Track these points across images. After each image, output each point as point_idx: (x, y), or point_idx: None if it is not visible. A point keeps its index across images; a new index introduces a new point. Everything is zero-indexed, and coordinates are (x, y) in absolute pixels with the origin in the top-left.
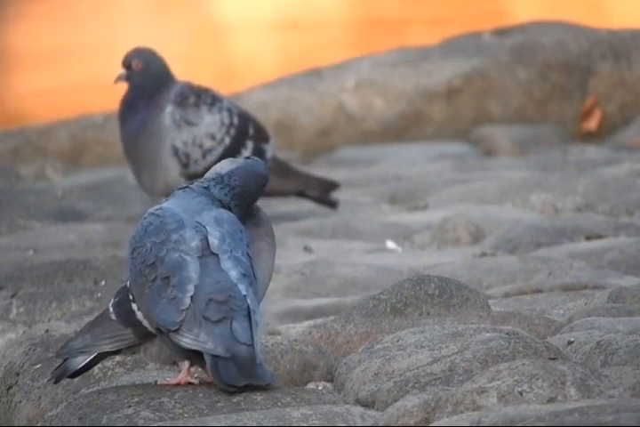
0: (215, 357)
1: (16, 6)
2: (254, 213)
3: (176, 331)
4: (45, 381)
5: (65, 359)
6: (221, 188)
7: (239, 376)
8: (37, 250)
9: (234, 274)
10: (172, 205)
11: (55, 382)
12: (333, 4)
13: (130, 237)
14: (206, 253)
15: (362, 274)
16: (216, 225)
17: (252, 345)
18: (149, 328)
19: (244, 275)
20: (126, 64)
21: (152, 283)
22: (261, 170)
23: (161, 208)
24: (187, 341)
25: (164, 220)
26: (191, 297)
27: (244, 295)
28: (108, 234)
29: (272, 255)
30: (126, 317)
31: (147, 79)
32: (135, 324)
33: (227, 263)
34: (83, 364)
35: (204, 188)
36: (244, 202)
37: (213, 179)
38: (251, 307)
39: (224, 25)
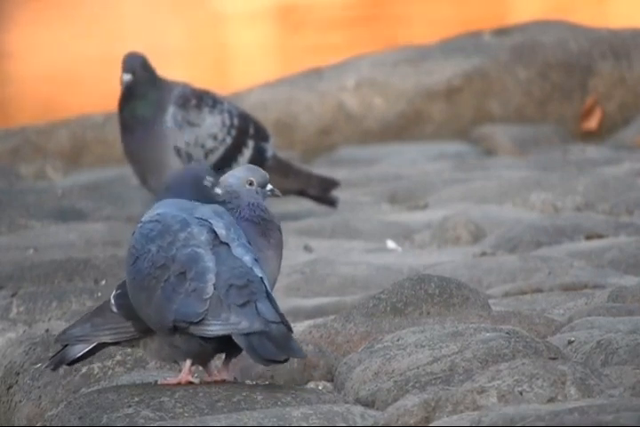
0: (249, 337)
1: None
2: (266, 219)
3: (200, 322)
4: (43, 367)
5: (64, 347)
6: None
7: (277, 351)
8: (38, 249)
9: (247, 259)
10: (168, 209)
11: (53, 369)
12: (333, 4)
13: (129, 247)
14: (216, 243)
15: (362, 273)
16: (217, 217)
17: (281, 322)
18: (155, 329)
19: (256, 259)
20: (131, 70)
21: (165, 282)
22: (187, 172)
23: (158, 214)
24: (214, 328)
25: (167, 223)
26: (213, 285)
27: (261, 278)
28: (108, 233)
29: (277, 265)
30: (127, 310)
31: (147, 83)
32: (136, 318)
33: (238, 250)
34: (81, 353)
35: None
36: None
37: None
38: (268, 288)
39: (224, 25)
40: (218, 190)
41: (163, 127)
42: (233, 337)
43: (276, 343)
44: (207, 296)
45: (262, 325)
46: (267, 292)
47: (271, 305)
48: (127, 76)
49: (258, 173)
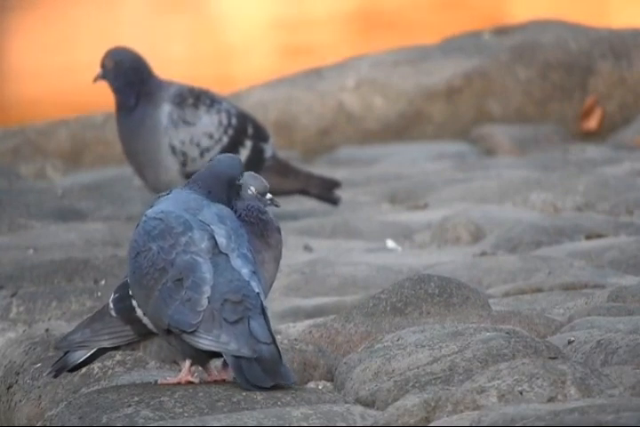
0: (237, 358)
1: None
2: (264, 220)
3: (192, 333)
4: (45, 374)
5: (65, 353)
6: (194, 191)
7: (265, 377)
8: (37, 249)
9: (245, 272)
10: (173, 207)
11: (55, 376)
12: (333, 3)
13: (131, 241)
14: (215, 252)
15: (362, 273)
16: (220, 223)
17: (272, 344)
18: (152, 328)
19: (254, 272)
20: (102, 64)
21: (162, 285)
22: (223, 168)
23: (162, 211)
24: (205, 342)
25: (169, 223)
26: (208, 298)
27: (257, 293)
28: (108, 233)
29: (275, 266)
30: (126, 313)
31: (120, 75)
32: (135, 321)
33: (237, 261)
34: (82, 358)
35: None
36: (220, 199)
37: (185, 185)
38: (263, 304)
39: (224, 25)
40: (248, 190)
41: (158, 125)
42: (223, 355)
43: (264, 367)
44: (201, 309)
45: (250, 351)
46: (262, 308)
47: (265, 323)
48: (98, 70)
49: (259, 182)
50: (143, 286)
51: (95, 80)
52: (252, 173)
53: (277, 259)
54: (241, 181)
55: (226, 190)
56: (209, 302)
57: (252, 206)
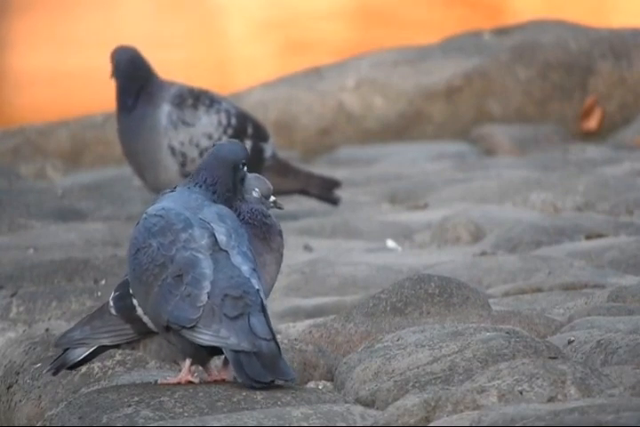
0: (237, 353)
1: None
2: (267, 224)
3: (192, 328)
4: (44, 371)
5: (64, 351)
6: (199, 186)
7: (264, 372)
8: (37, 249)
9: (245, 269)
10: (173, 205)
11: (54, 374)
12: (333, 3)
13: (131, 238)
14: (216, 249)
15: (362, 273)
16: (220, 221)
17: (272, 340)
18: (152, 327)
19: (254, 269)
20: (110, 61)
21: (162, 281)
22: (225, 153)
23: (163, 208)
24: (205, 337)
25: (170, 220)
26: (207, 293)
27: (257, 290)
28: (108, 233)
29: (276, 269)
30: (126, 312)
31: (123, 75)
32: (135, 320)
33: (237, 258)
34: (82, 356)
35: (189, 188)
36: (226, 188)
37: (189, 180)
38: (263, 301)
39: (223, 24)
40: (253, 192)
41: (157, 125)
42: (222, 350)
43: (264, 363)
44: (201, 304)
45: (250, 345)
46: (262, 305)
47: (265, 320)
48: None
49: (263, 184)
50: (143, 282)
51: (111, 76)
52: (257, 174)
53: (279, 262)
54: (246, 167)
55: (231, 176)
56: (209, 298)
57: (256, 209)
